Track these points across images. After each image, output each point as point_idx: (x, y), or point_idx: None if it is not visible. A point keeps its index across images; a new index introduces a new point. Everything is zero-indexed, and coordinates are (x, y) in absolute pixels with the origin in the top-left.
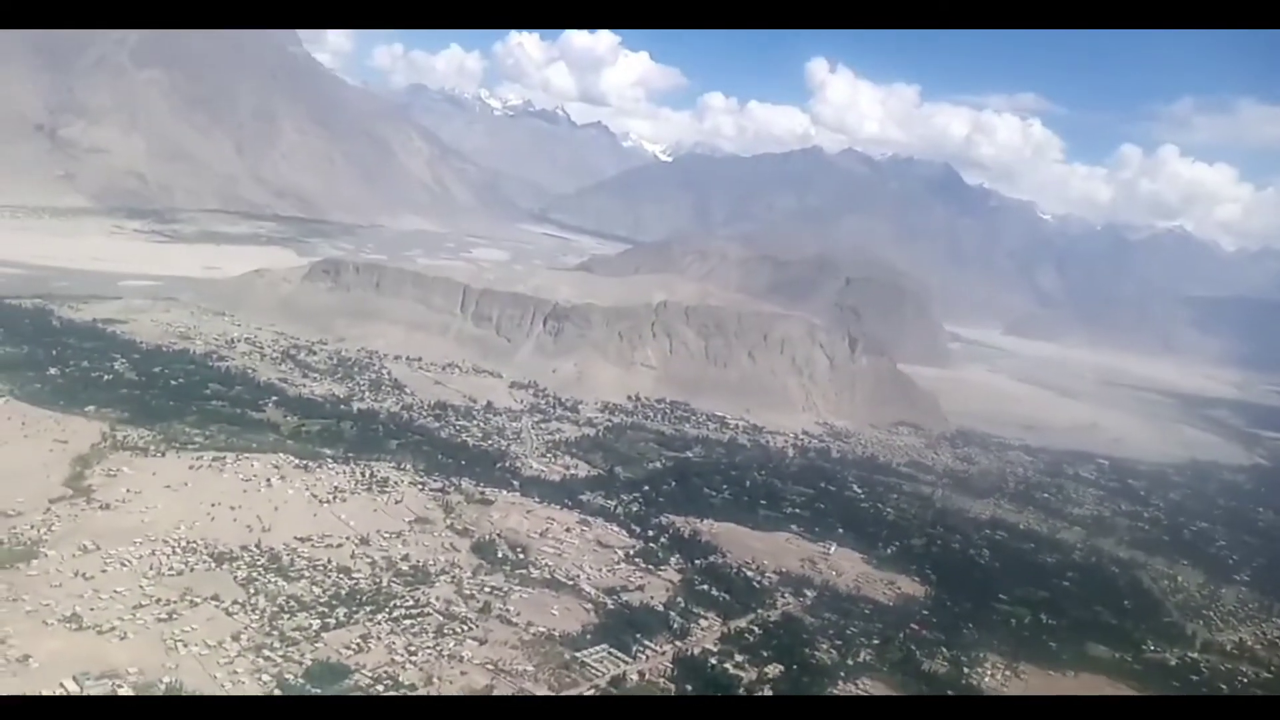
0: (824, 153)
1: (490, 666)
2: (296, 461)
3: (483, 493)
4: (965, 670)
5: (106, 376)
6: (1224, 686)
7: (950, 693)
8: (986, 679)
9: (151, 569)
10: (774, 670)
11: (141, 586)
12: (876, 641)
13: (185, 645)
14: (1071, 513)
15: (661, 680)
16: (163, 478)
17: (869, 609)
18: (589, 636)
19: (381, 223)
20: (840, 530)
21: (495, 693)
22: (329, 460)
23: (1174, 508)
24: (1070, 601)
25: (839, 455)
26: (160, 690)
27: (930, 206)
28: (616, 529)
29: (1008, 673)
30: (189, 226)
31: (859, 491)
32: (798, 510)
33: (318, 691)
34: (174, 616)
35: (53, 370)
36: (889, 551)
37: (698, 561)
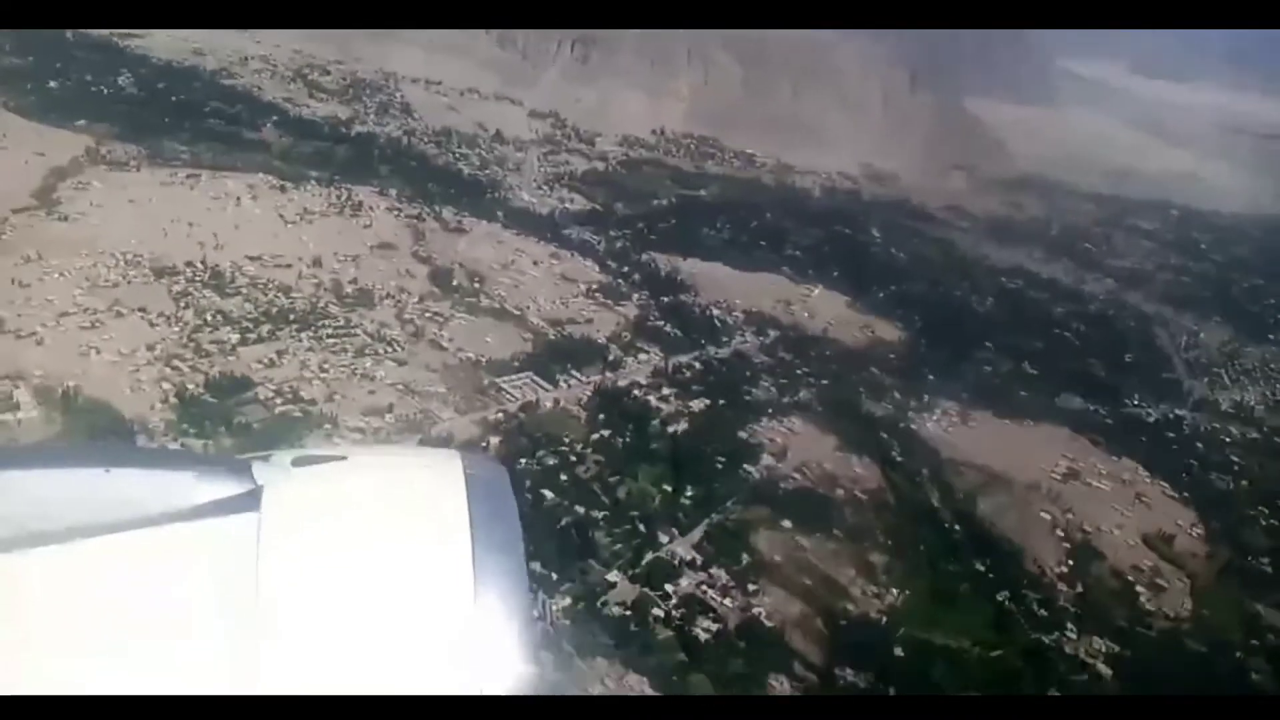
0: None
1: (401, 387)
2: (274, 182)
3: (460, 221)
4: (909, 414)
5: (107, 91)
6: (1200, 445)
7: (884, 434)
8: (929, 425)
9: (88, 280)
10: (698, 404)
11: (73, 296)
12: (825, 382)
13: (99, 353)
14: (1109, 264)
15: (574, 407)
16: (131, 193)
17: (831, 351)
18: (516, 364)
19: None
20: (835, 273)
21: (395, 412)
22: (311, 182)
23: (1232, 262)
24: (1063, 352)
25: (870, 198)
26: (57, 395)
27: None
28: (589, 264)
29: (955, 419)
30: None
31: (875, 235)
32: (797, 252)
33: (213, 401)
34: (96, 325)
35: (53, 83)
36: (881, 296)
37: (664, 299)
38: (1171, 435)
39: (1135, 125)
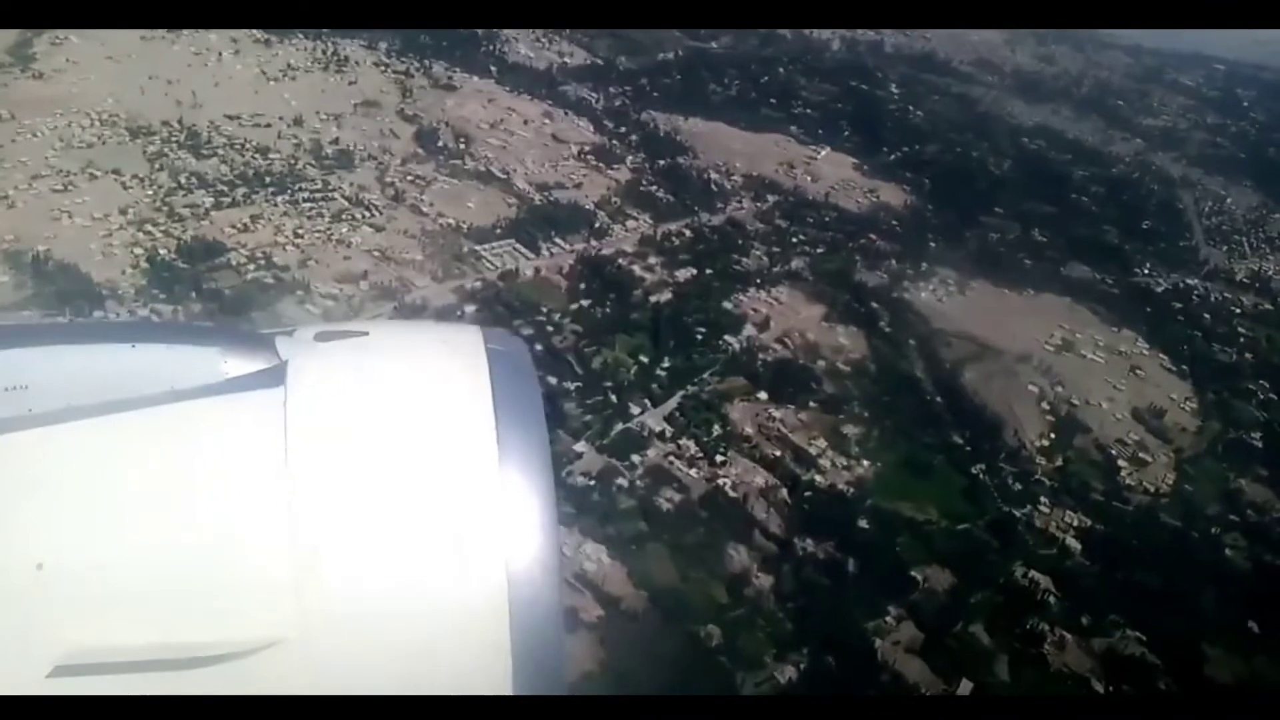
0: None
1: (376, 253)
2: (258, 36)
3: (450, 78)
4: (903, 283)
5: None
6: (1206, 316)
7: (875, 303)
8: (923, 294)
9: (61, 140)
10: (683, 274)
11: (46, 158)
12: (819, 250)
13: (70, 217)
14: (1140, 123)
15: (555, 276)
16: (109, 48)
17: (830, 217)
18: (498, 231)
19: None
20: (846, 133)
21: (370, 279)
22: (297, 36)
23: (1275, 122)
24: (1077, 218)
25: (892, 50)
26: (27, 260)
27: None
28: (584, 123)
29: (952, 288)
30: None
31: (894, 92)
32: (808, 110)
33: (185, 266)
34: (69, 188)
35: None
36: (892, 158)
37: (660, 162)
38: (1178, 306)
39: None
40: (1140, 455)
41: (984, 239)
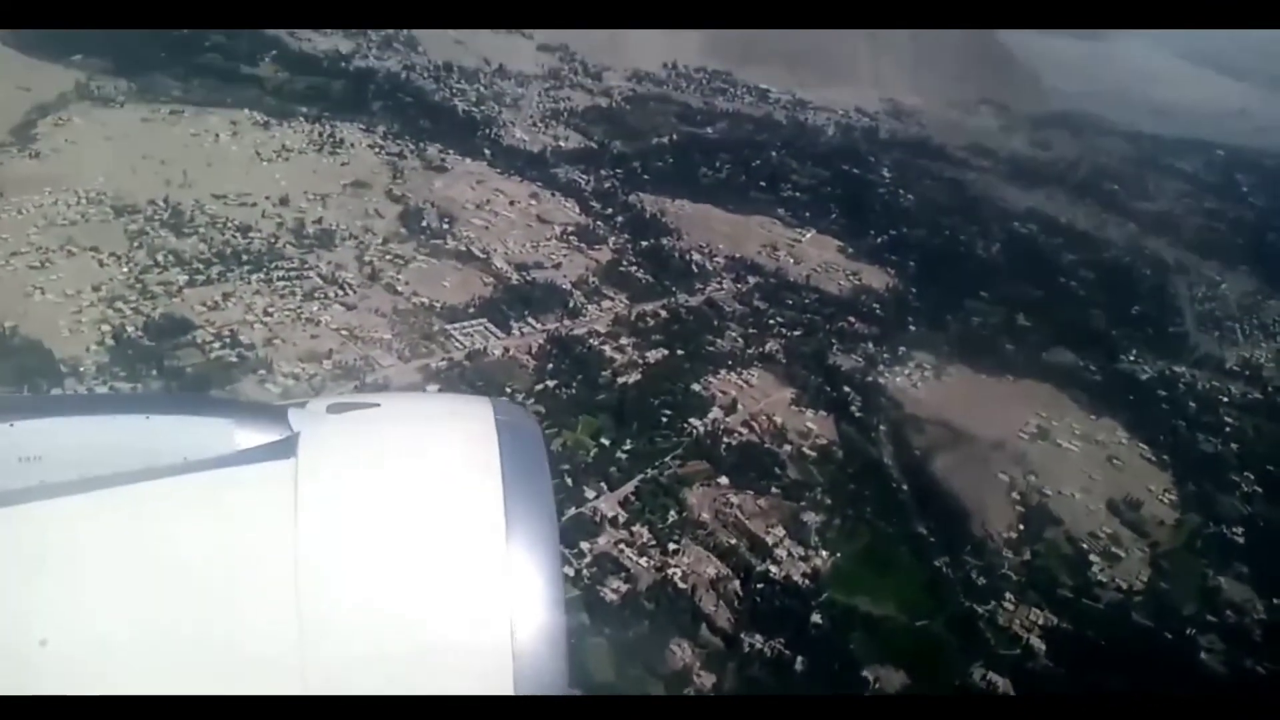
0: None
1: (344, 332)
2: (258, 118)
3: (442, 160)
4: (878, 368)
5: None
6: (1192, 404)
7: (847, 387)
8: (898, 379)
9: (45, 218)
10: (654, 355)
11: (28, 235)
12: (796, 333)
13: (43, 293)
14: (1135, 208)
15: (524, 356)
16: (109, 129)
17: (810, 299)
18: (471, 310)
19: None
20: (833, 216)
21: (335, 358)
22: (298, 119)
23: (1274, 207)
24: (1065, 303)
25: (887, 136)
26: None
27: None
28: (570, 204)
29: (928, 373)
30: None
31: (885, 176)
32: (797, 194)
33: (150, 344)
34: (46, 265)
35: None
36: (879, 241)
37: (643, 243)
38: (1163, 394)
39: (1191, 58)
40: (1113, 550)
41: (966, 323)
